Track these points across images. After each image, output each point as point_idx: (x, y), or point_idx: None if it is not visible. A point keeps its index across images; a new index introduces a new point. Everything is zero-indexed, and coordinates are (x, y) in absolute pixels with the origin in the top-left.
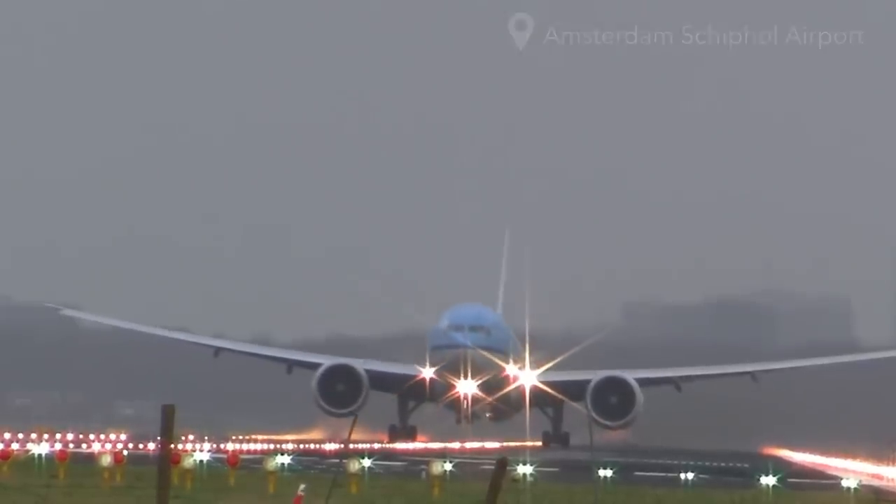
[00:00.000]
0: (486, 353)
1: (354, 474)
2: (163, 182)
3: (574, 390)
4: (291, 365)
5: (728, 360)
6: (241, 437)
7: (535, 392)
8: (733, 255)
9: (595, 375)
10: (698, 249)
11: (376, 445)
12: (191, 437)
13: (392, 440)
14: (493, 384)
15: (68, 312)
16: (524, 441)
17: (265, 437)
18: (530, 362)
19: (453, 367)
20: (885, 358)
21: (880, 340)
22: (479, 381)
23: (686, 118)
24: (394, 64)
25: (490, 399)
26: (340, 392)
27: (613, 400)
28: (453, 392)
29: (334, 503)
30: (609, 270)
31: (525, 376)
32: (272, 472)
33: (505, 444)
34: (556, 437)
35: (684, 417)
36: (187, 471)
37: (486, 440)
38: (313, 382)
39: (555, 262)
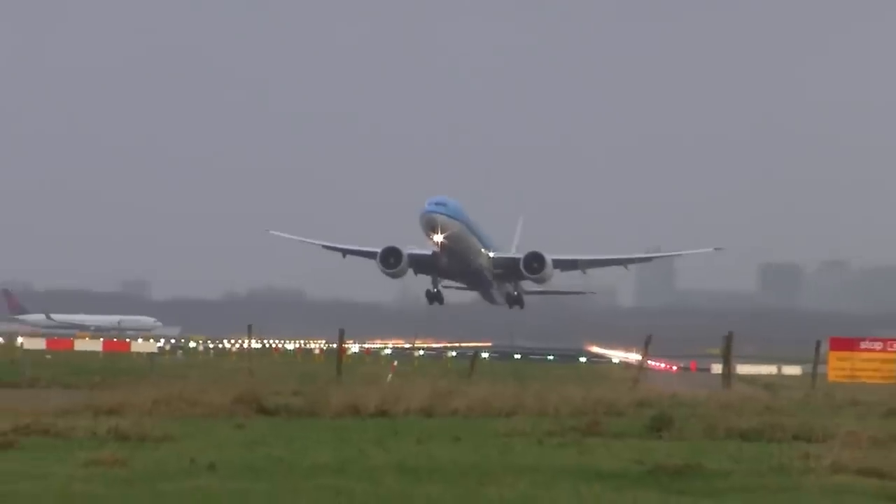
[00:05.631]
0: (445, 216)
1: (417, 357)
2: None
3: (513, 264)
4: (351, 253)
5: None
6: (368, 341)
7: (497, 264)
8: None
9: (524, 254)
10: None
11: (424, 346)
12: (350, 341)
13: (428, 298)
14: (457, 241)
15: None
16: (487, 341)
17: (381, 341)
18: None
19: (427, 226)
20: None
21: None
22: (445, 235)
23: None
24: None
25: (460, 252)
26: (391, 262)
27: (535, 265)
28: (433, 242)
29: (405, 369)
30: None
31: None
32: (382, 356)
33: (477, 343)
34: (516, 297)
35: (549, 328)
36: (348, 356)
37: (472, 341)
38: (377, 256)
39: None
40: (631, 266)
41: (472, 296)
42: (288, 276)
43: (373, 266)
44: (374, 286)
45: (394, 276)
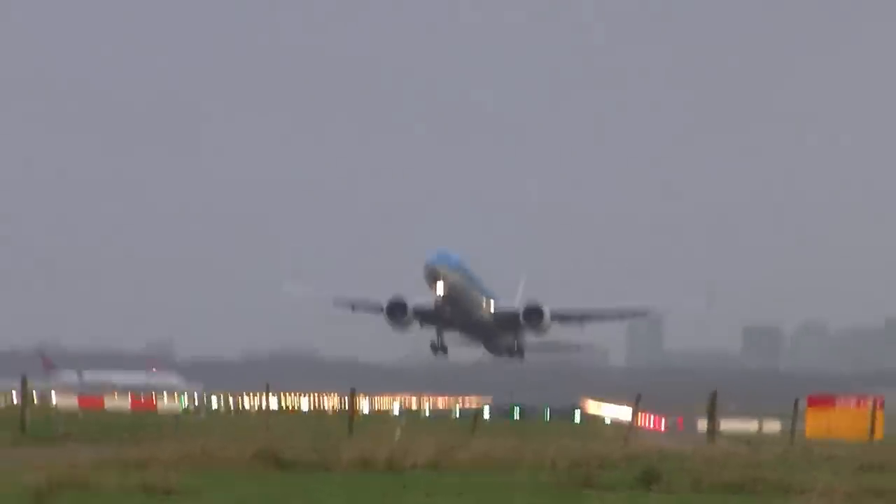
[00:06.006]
0: (446, 268)
1: (424, 419)
2: None
3: (513, 316)
4: (359, 306)
5: None
6: (378, 396)
7: (498, 316)
8: None
9: (523, 306)
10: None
11: (430, 406)
12: (361, 395)
13: (433, 349)
14: (459, 292)
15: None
16: (489, 400)
17: (390, 396)
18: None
19: (430, 277)
20: None
21: None
22: (446, 286)
23: None
24: None
25: (463, 306)
26: (397, 314)
27: (534, 317)
28: (435, 293)
29: (413, 427)
30: None
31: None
32: (391, 417)
33: (479, 402)
34: (517, 349)
35: (548, 384)
36: (360, 415)
37: (474, 398)
38: (384, 309)
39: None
40: (623, 327)
41: (475, 354)
42: (302, 334)
43: (381, 320)
44: (382, 337)
45: (400, 328)
